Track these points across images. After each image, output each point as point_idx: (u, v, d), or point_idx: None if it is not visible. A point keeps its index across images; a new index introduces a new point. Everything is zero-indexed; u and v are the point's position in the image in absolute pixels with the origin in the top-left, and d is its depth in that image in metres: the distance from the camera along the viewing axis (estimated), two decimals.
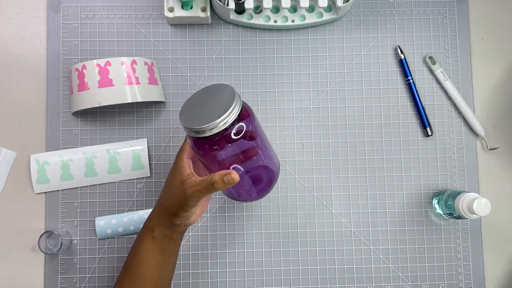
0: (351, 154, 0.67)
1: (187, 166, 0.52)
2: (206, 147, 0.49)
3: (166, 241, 0.53)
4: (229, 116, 0.48)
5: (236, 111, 0.48)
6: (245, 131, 0.49)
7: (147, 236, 0.54)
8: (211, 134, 0.47)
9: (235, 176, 0.48)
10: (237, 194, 0.56)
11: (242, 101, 0.50)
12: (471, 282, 0.66)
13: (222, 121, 0.47)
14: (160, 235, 0.53)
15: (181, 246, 0.65)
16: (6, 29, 0.68)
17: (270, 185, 0.56)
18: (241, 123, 0.49)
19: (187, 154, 0.53)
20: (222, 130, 0.48)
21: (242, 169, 0.53)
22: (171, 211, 0.52)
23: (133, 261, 0.54)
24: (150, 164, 0.66)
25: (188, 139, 0.52)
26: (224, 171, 0.48)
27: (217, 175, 0.48)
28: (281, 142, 0.67)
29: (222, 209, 0.66)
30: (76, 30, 0.67)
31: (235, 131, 0.49)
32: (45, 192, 0.65)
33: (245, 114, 0.50)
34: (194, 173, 0.52)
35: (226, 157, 0.51)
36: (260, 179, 0.56)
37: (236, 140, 0.49)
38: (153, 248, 0.53)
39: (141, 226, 0.64)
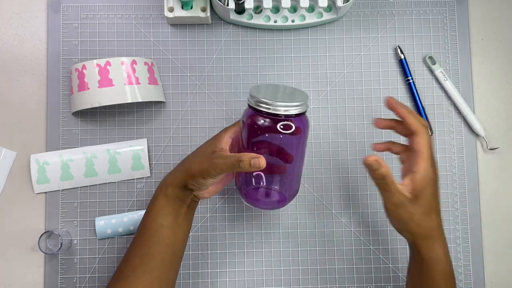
0: (351, 154, 0.67)
1: (225, 142, 0.53)
2: (259, 125, 0.51)
3: (178, 202, 0.53)
4: (299, 107, 0.50)
5: (305, 107, 0.51)
6: (298, 133, 0.52)
7: (161, 193, 0.53)
8: (275, 112, 0.50)
9: (262, 162, 0.48)
10: (243, 186, 0.56)
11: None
12: (471, 282, 0.66)
13: (292, 106, 0.50)
14: (173, 194, 0.53)
15: None
16: (6, 29, 0.68)
17: (268, 204, 0.56)
18: (300, 124, 0.52)
19: (230, 134, 0.54)
20: (287, 114, 0.50)
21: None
22: (190, 173, 0.51)
23: (146, 220, 0.53)
24: (150, 164, 0.66)
25: (245, 114, 0.53)
26: (254, 154, 0.49)
27: (246, 155, 0.48)
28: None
29: (222, 209, 0.66)
30: (76, 30, 0.67)
31: (294, 125, 0.51)
32: (45, 192, 0.65)
33: (305, 122, 0.52)
34: (228, 149, 0.53)
35: (265, 147, 0.52)
36: (268, 192, 0.56)
37: (289, 134, 0.51)
38: (166, 206, 0.53)
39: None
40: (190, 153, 0.56)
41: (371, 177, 0.51)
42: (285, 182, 0.55)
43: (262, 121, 0.51)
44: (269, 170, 0.53)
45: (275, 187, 0.55)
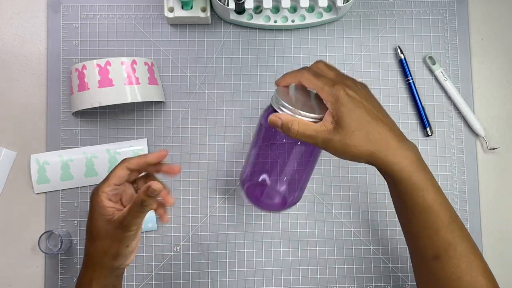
0: None
1: (108, 205, 0.49)
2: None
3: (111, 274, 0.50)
4: (319, 120, 0.48)
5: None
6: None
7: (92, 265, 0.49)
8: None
9: (156, 186, 0.46)
10: (246, 182, 0.56)
11: None
12: None
13: (313, 118, 0.48)
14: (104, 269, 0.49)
15: (181, 245, 0.65)
16: (6, 29, 0.68)
17: (268, 205, 0.56)
18: None
19: (105, 196, 0.49)
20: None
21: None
22: (110, 254, 0.48)
23: None
24: None
25: (265, 114, 0.53)
26: (144, 186, 0.47)
27: (140, 193, 0.47)
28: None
29: (222, 209, 0.66)
30: (76, 30, 0.67)
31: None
32: (45, 192, 0.65)
33: None
34: (117, 207, 0.50)
35: (278, 149, 0.53)
36: (271, 195, 0.56)
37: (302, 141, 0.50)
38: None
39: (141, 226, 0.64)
40: (85, 242, 0.51)
41: (291, 137, 0.49)
42: (290, 187, 0.55)
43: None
44: (277, 172, 0.53)
45: (279, 189, 0.55)
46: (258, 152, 0.56)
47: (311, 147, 0.54)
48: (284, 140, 0.52)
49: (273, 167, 0.55)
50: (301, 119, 0.48)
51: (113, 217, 0.48)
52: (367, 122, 0.47)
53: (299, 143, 0.52)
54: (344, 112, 0.46)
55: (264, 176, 0.55)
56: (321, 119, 0.48)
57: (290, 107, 0.48)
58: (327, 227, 0.66)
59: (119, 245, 0.48)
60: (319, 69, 0.50)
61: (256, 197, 0.55)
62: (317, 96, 0.50)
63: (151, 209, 0.49)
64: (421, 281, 0.50)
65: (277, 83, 0.53)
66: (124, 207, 0.50)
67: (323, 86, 0.47)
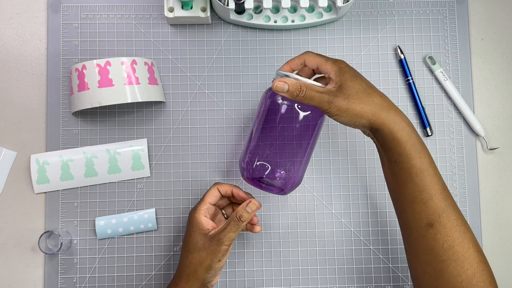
0: (351, 154, 0.67)
1: (206, 222, 0.55)
2: (278, 103, 0.55)
3: None
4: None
5: None
6: (313, 115, 0.55)
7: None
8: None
9: (255, 203, 0.54)
10: (246, 163, 0.57)
11: None
12: None
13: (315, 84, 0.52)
14: None
15: (181, 245, 0.65)
16: (6, 29, 0.68)
17: (268, 187, 0.57)
18: (317, 112, 0.55)
19: (202, 213, 0.56)
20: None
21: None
22: (204, 266, 0.54)
23: None
24: (150, 164, 0.66)
25: (266, 96, 0.57)
26: (244, 203, 0.54)
27: (240, 209, 0.54)
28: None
29: None
30: (76, 30, 0.67)
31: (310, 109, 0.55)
32: (45, 192, 0.65)
33: (322, 113, 0.54)
34: (211, 224, 0.56)
35: (279, 127, 0.56)
36: (271, 177, 0.56)
37: (304, 115, 0.55)
38: None
39: (141, 226, 0.64)
40: (181, 255, 0.57)
41: (297, 100, 0.52)
42: (290, 168, 0.56)
43: (281, 99, 0.55)
44: (278, 154, 0.55)
45: (280, 171, 0.56)
46: (259, 135, 0.57)
47: (311, 128, 0.56)
48: (285, 115, 0.55)
49: (273, 148, 0.56)
50: (306, 82, 0.52)
51: (209, 231, 0.54)
52: (369, 87, 0.52)
53: (301, 117, 0.55)
54: (347, 78, 0.51)
55: (265, 157, 0.56)
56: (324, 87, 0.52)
57: (295, 75, 0.53)
58: (327, 227, 0.66)
59: (212, 257, 0.53)
60: (316, 56, 0.55)
61: (258, 179, 0.56)
62: (316, 81, 0.54)
63: (244, 227, 0.56)
64: (412, 254, 0.51)
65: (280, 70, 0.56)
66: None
67: (327, 60, 0.53)
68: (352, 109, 0.50)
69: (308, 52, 0.55)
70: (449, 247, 0.47)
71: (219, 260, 0.54)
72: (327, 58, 0.53)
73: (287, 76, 0.53)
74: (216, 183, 0.58)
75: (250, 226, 0.59)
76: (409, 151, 0.49)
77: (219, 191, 0.58)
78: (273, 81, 0.53)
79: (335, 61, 0.53)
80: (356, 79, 0.51)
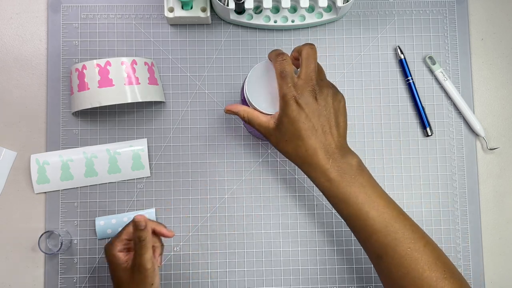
0: None
1: (121, 257, 0.54)
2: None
3: None
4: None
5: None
6: None
7: None
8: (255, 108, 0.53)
9: (138, 218, 0.51)
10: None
11: None
12: (471, 282, 0.66)
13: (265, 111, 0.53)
14: None
15: (181, 245, 0.65)
16: (6, 29, 0.68)
17: None
18: None
19: (116, 249, 0.54)
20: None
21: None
22: None
23: None
24: (150, 164, 0.66)
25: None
26: (132, 224, 0.53)
27: (133, 232, 0.53)
28: None
29: (222, 209, 0.66)
30: (76, 30, 0.67)
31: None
32: (45, 192, 0.65)
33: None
34: (129, 256, 0.54)
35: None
36: None
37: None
38: None
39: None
40: None
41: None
42: None
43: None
44: None
45: None
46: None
47: None
48: None
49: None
50: (251, 110, 0.53)
51: (127, 264, 0.54)
52: (299, 137, 0.49)
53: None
54: (285, 121, 0.50)
55: None
56: (271, 114, 0.52)
57: (247, 95, 0.53)
58: (327, 227, 0.66)
59: (144, 285, 0.53)
60: (304, 59, 0.50)
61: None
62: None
63: (149, 243, 0.53)
64: (379, 277, 0.53)
65: (268, 56, 0.54)
66: None
67: (282, 85, 0.50)
68: (281, 153, 0.52)
69: (286, 57, 0.51)
70: (403, 275, 0.48)
71: (152, 284, 0.53)
72: (287, 83, 0.49)
73: (245, 91, 0.53)
74: (134, 219, 0.53)
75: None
76: (332, 202, 0.51)
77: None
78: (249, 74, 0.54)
79: (288, 90, 0.49)
80: (293, 124, 0.49)
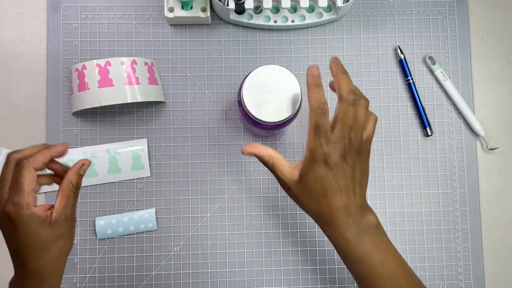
0: None
1: (40, 211, 0.45)
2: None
3: None
4: (290, 115, 0.54)
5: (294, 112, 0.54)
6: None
7: None
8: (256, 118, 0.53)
9: (87, 161, 0.48)
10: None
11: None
12: (471, 282, 0.66)
13: (269, 122, 0.53)
14: None
15: (181, 245, 0.65)
16: (6, 29, 0.68)
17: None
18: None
19: (30, 206, 0.45)
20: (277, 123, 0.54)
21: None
22: (66, 254, 0.47)
23: None
24: (150, 164, 0.66)
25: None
26: (75, 167, 0.47)
27: (72, 176, 0.47)
28: (281, 141, 0.67)
29: (222, 209, 0.66)
30: (76, 30, 0.67)
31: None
32: (45, 192, 0.65)
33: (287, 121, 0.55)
34: (44, 208, 0.46)
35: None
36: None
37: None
38: None
39: (141, 226, 0.64)
40: None
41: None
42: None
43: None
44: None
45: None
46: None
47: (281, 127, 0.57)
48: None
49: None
50: (277, 156, 0.50)
51: (50, 217, 0.45)
52: (322, 195, 0.47)
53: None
54: (310, 176, 0.47)
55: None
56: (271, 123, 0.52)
57: (244, 102, 0.53)
58: None
59: (71, 239, 0.47)
60: (342, 112, 0.47)
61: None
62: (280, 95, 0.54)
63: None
64: None
65: (308, 78, 0.49)
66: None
67: (313, 139, 0.46)
68: (300, 206, 0.50)
69: (352, 100, 0.47)
70: None
71: (73, 231, 0.47)
72: (319, 136, 0.46)
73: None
74: (23, 160, 0.44)
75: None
76: (346, 260, 0.49)
77: (36, 169, 0.45)
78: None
79: (320, 146, 0.46)
80: (318, 182, 0.47)
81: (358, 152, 0.47)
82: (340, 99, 0.47)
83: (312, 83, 0.47)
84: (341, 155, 0.46)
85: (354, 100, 0.47)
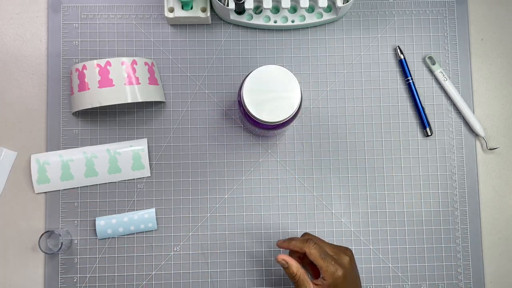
0: (351, 154, 0.67)
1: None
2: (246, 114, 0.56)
3: None
4: (289, 115, 0.54)
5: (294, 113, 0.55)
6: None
7: None
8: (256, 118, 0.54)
9: (278, 259, 0.54)
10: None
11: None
12: (470, 282, 0.66)
13: (268, 122, 0.54)
14: None
15: (181, 245, 0.65)
16: (6, 29, 0.68)
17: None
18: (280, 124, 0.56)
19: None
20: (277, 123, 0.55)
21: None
22: None
23: None
24: (150, 164, 0.66)
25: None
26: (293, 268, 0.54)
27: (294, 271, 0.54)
28: (281, 141, 0.67)
29: (222, 209, 0.66)
30: (76, 30, 0.67)
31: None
32: (45, 192, 0.65)
33: (287, 121, 0.55)
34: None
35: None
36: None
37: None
38: None
39: (141, 226, 0.64)
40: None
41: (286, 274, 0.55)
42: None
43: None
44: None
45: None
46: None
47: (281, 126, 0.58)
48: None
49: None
50: (303, 272, 0.54)
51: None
52: None
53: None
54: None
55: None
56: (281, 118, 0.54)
57: (244, 102, 0.53)
58: (327, 227, 0.66)
59: None
60: (317, 259, 0.53)
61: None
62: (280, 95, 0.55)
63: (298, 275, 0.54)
64: None
65: (278, 245, 0.57)
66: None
67: (327, 266, 0.52)
68: None
69: (311, 245, 0.54)
70: None
71: None
72: (329, 263, 0.53)
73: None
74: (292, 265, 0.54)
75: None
76: None
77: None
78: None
79: (336, 270, 0.52)
80: None
81: (350, 266, 0.55)
82: (305, 248, 0.54)
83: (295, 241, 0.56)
84: (346, 263, 0.54)
85: (312, 243, 0.54)
